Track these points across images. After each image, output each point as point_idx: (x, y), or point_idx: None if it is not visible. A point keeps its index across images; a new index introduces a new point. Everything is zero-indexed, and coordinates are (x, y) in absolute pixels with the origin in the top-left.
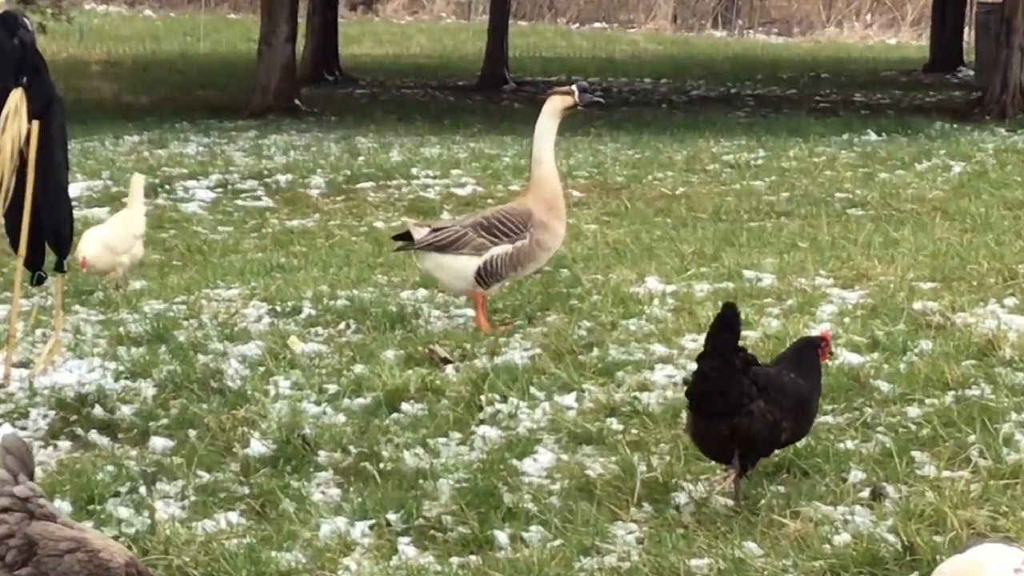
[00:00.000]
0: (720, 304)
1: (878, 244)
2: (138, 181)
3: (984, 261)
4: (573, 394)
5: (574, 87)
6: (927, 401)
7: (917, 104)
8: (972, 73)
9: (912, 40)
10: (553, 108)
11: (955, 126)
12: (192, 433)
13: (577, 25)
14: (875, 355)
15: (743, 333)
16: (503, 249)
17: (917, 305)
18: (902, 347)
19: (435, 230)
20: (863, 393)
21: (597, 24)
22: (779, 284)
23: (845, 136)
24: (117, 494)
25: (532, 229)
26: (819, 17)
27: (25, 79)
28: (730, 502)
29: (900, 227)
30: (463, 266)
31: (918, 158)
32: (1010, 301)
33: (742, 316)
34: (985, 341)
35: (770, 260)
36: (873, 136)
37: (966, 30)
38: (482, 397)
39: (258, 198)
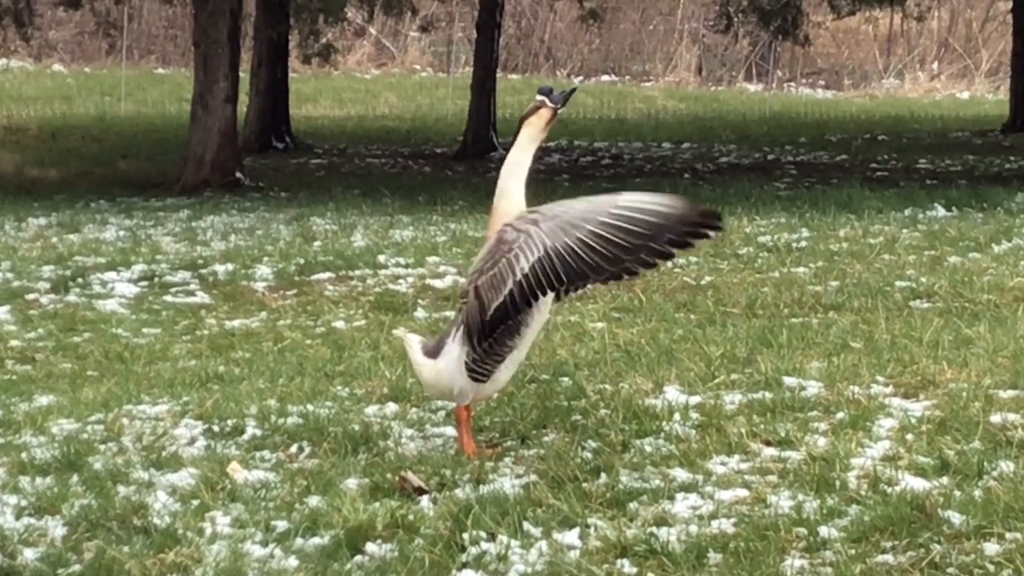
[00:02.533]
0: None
1: (947, 343)
2: None
3: None
4: (576, 530)
5: (538, 97)
6: (1008, 536)
7: (995, 172)
8: None
9: (988, 94)
10: (530, 134)
11: None
12: None
13: (581, 78)
14: (944, 479)
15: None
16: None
17: (995, 418)
18: (977, 469)
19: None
20: (930, 526)
21: (605, 77)
22: (827, 393)
23: (907, 212)
24: None
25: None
26: (875, 66)
27: None
28: None
29: (974, 322)
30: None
31: (996, 238)
32: None
33: (782, 432)
34: None
35: (816, 364)
36: (941, 211)
37: None
38: (465, 535)
39: (191, 293)
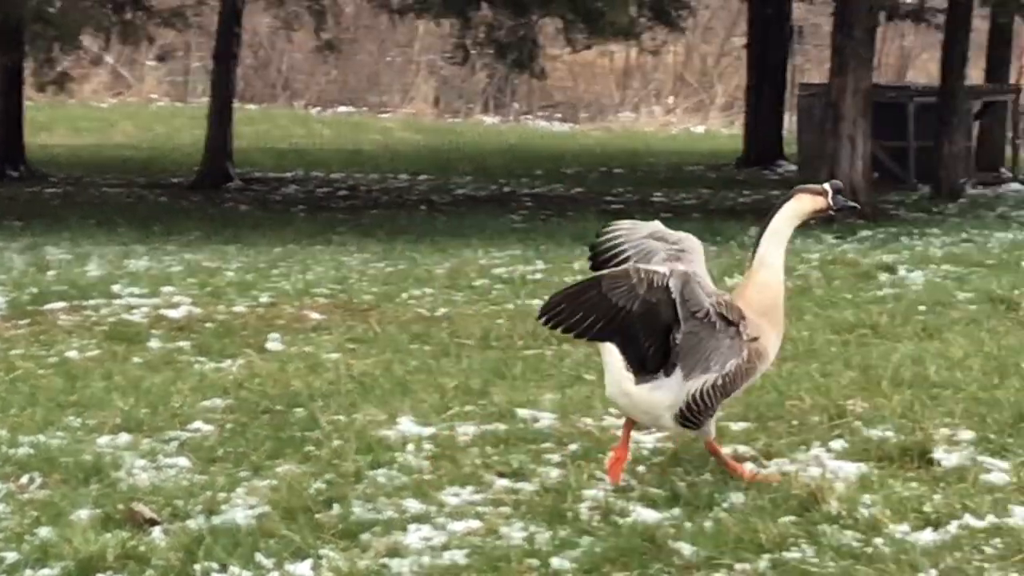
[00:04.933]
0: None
1: None
2: None
3: (807, 396)
4: (308, 561)
5: (827, 186)
6: (737, 567)
7: (729, 205)
8: (794, 168)
9: (723, 128)
10: (800, 209)
11: None
12: None
13: (318, 109)
14: (675, 511)
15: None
16: (709, 378)
17: (726, 449)
18: (707, 501)
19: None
20: (660, 557)
21: (342, 108)
22: (560, 425)
23: None
24: None
25: (742, 338)
26: (611, 100)
27: None
28: None
29: None
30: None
31: (729, 271)
32: (837, 444)
33: (516, 464)
34: (807, 493)
35: (549, 396)
36: None
37: (786, 117)
38: (196, 566)
39: None
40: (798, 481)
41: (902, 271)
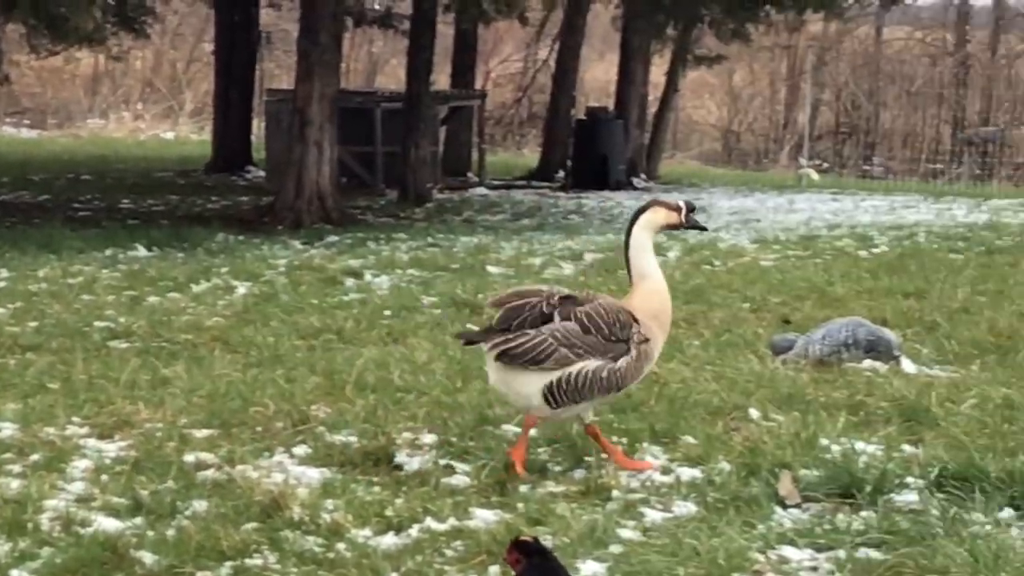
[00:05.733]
0: None
1: (144, 383)
2: None
3: (271, 402)
4: None
5: (682, 203)
6: (199, 575)
7: (197, 212)
8: (263, 174)
9: (193, 134)
10: (654, 221)
11: (241, 238)
12: None
13: None
14: (138, 519)
15: None
16: (589, 365)
17: (189, 457)
18: (171, 509)
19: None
20: (122, 567)
21: None
22: (22, 435)
23: (108, 252)
24: None
25: (635, 339)
26: (80, 106)
27: None
28: None
29: (172, 362)
30: (532, 385)
31: (195, 278)
32: (301, 450)
33: None
34: (270, 499)
35: (12, 406)
36: (143, 251)
37: (255, 122)
38: None
39: None
40: (261, 487)
41: (368, 276)
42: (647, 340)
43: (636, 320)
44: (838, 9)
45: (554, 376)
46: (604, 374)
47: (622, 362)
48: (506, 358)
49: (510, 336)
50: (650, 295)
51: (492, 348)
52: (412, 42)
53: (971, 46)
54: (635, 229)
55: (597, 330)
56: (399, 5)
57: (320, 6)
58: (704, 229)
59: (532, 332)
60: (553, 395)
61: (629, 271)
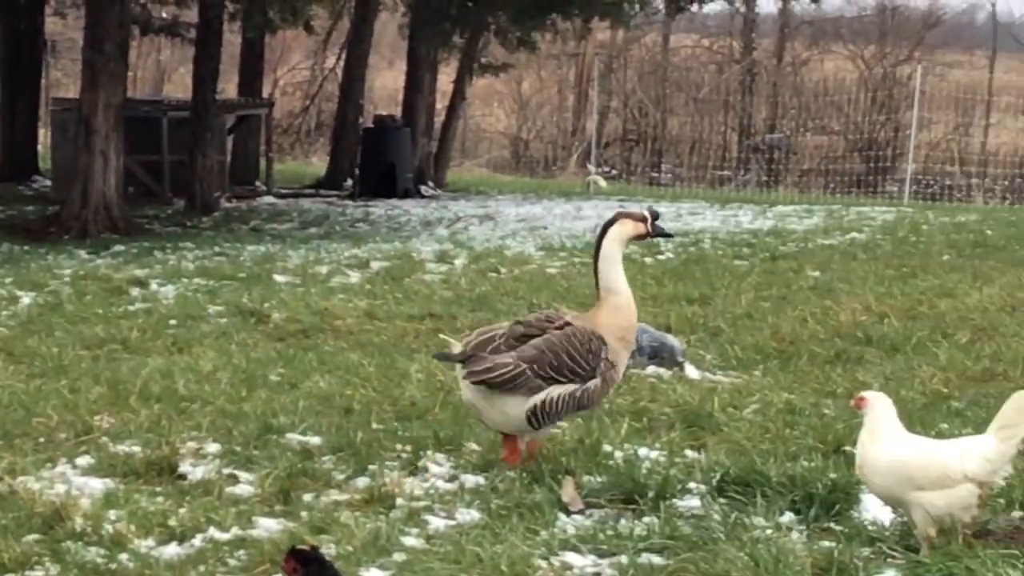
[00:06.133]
0: None
1: None
2: None
3: (55, 412)
4: None
5: (646, 213)
6: None
7: None
8: (49, 183)
9: None
10: (623, 233)
11: (26, 248)
12: None
13: None
14: None
15: None
16: (565, 390)
17: None
18: None
19: (478, 357)
20: None
21: None
22: None
23: None
24: None
25: (603, 367)
26: None
27: None
28: None
29: None
30: (517, 409)
31: None
32: (84, 460)
33: None
34: (52, 510)
35: None
36: None
37: (42, 132)
38: None
39: None
40: (43, 499)
41: (154, 285)
42: (613, 366)
43: (604, 343)
44: (624, 17)
45: (536, 400)
46: (578, 395)
47: (591, 384)
48: (482, 384)
49: (486, 362)
50: (617, 311)
51: (467, 376)
52: (198, 51)
53: (757, 53)
54: (605, 242)
55: (571, 359)
56: (186, 14)
57: (105, 15)
58: (670, 236)
59: (507, 359)
60: (537, 418)
61: (597, 283)
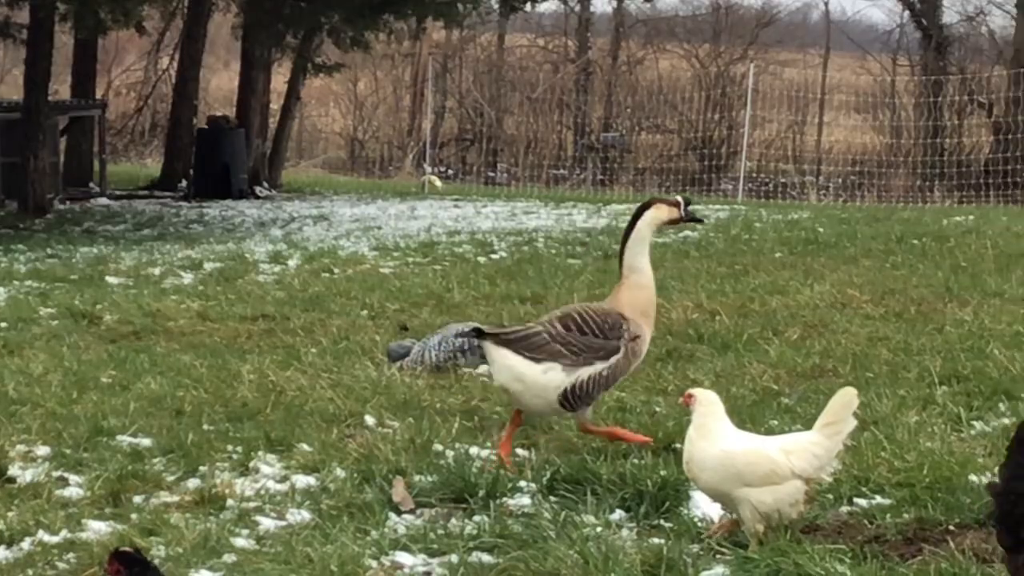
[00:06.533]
0: None
1: None
2: None
3: None
4: None
5: (679, 198)
6: None
7: None
8: None
9: None
10: (658, 217)
11: None
12: None
13: None
14: None
15: None
16: (595, 369)
17: None
18: None
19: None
20: None
21: None
22: None
23: None
24: None
25: (626, 338)
26: None
27: None
28: None
29: None
30: (547, 382)
31: None
32: None
33: None
34: None
35: None
36: None
37: None
38: None
39: None
40: None
41: None
42: (637, 337)
43: (625, 318)
44: (457, 17)
45: (568, 383)
46: (606, 373)
47: (614, 360)
48: (503, 344)
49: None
50: (639, 288)
51: (488, 337)
52: (30, 52)
53: (592, 53)
54: (640, 224)
55: (591, 331)
56: (17, 14)
57: None
58: (701, 221)
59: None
60: (569, 400)
61: (621, 263)
